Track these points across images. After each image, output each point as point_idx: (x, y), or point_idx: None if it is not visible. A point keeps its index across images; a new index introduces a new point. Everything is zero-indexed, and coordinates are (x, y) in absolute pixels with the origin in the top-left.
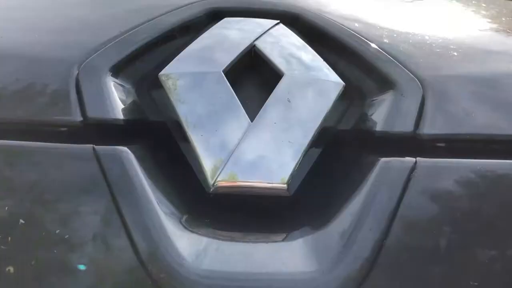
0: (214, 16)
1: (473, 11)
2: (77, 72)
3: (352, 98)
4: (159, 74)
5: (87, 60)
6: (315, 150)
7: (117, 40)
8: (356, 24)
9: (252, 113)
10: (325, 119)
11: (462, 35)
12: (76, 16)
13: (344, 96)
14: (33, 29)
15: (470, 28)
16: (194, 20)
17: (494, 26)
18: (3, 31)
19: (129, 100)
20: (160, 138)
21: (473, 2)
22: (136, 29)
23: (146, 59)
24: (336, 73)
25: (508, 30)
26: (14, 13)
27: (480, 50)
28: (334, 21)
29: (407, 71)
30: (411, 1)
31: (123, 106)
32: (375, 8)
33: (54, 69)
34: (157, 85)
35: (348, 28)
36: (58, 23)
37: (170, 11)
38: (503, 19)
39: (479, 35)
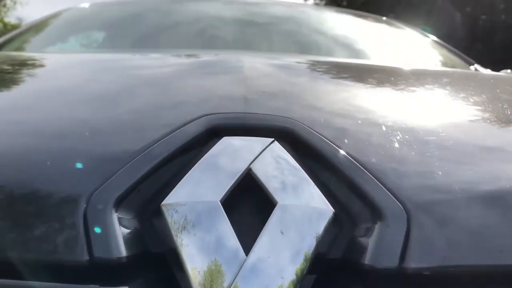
0: (214, 133)
1: (463, 102)
2: (85, 206)
3: (342, 225)
4: (161, 204)
5: (93, 195)
6: (307, 282)
7: (120, 170)
8: (346, 140)
9: (247, 243)
10: (316, 248)
11: (452, 142)
12: (77, 136)
13: (334, 222)
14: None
15: (461, 132)
16: (194, 140)
17: (485, 122)
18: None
19: (133, 234)
20: (161, 272)
21: (461, 95)
22: (139, 156)
23: (149, 187)
24: (327, 195)
25: (499, 125)
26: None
27: (470, 162)
28: (326, 138)
29: (392, 197)
30: (404, 99)
31: (127, 241)
32: (367, 117)
33: (61, 203)
34: (159, 214)
35: (338, 147)
36: (59, 143)
37: (171, 132)
38: (495, 110)
39: (470, 142)
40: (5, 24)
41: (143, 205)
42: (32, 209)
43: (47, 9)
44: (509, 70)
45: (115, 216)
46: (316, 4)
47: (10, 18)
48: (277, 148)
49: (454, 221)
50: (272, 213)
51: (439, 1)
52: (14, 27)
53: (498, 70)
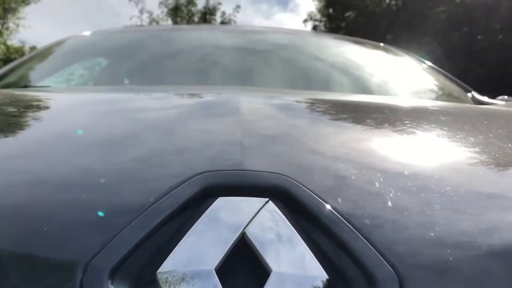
0: (209, 191)
1: (462, 146)
2: (81, 276)
3: None
4: (157, 272)
5: (90, 263)
6: None
7: (117, 236)
8: (340, 199)
9: None
10: None
11: (451, 195)
12: (71, 196)
13: (328, 287)
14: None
15: (459, 183)
16: (189, 200)
17: (484, 168)
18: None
19: None
20: None
21: (459, 137)
22: (135, 220)
23: (145, 253)
24: (320, 258)
25: (498, 172)
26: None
27: (468, 216)
28: (319, 197)
29: (384, 260)
30: (403, 146)
31: None
32: (363, 170)
33: (57, 272)
34: (155, 282)
35: (332, 207)
36: (55, 198)
37: (166, 194)
38: (494, 153)
39: (468, 193)
40: (8, 47)
41: (139, 273)
42: (27, 276)
43: (49, 31)
44: (506, 96)
45: (110, 286)
46: (315, 26)
47: (13, 41)
48: (272, 209)
49: (448, 284)
50: (267, 281)
51: (435, 21)
52: (17, 49)
53: (494, 94)
